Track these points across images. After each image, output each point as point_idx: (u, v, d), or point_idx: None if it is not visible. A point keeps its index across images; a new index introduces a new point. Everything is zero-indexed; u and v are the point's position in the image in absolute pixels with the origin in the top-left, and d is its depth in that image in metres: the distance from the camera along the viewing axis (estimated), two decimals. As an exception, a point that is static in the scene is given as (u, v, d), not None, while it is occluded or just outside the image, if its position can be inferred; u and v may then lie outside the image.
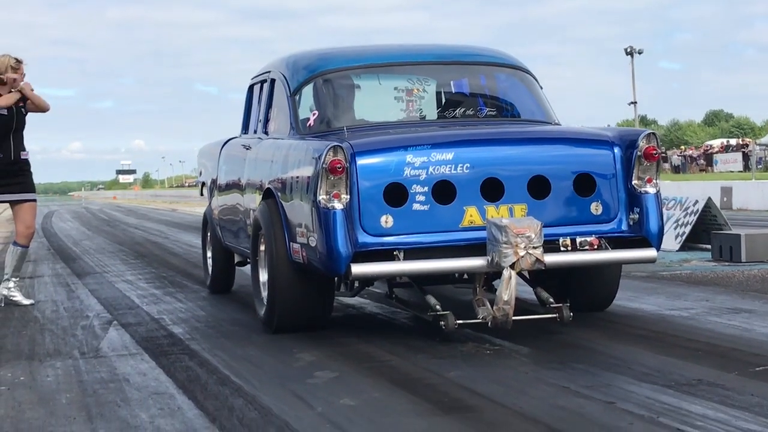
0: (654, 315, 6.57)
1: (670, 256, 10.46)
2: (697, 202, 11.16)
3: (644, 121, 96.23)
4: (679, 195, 12.00)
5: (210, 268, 8.69)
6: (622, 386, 4.48)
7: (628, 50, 49.30)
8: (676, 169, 55.32)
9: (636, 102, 51.29)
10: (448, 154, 5.60)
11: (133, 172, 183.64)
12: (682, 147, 68.77)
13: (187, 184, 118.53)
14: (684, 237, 11.04)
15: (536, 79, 6.97)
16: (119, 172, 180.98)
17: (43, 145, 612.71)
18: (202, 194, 9.17)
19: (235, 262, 8.32)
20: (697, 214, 11.01)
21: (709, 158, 54.76)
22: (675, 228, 11.20)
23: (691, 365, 4.90)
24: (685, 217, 11.18)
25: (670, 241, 11.04)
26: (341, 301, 7.51)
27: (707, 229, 10.84)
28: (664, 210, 11.35)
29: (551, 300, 5.83)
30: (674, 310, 6.74)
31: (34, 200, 8.21)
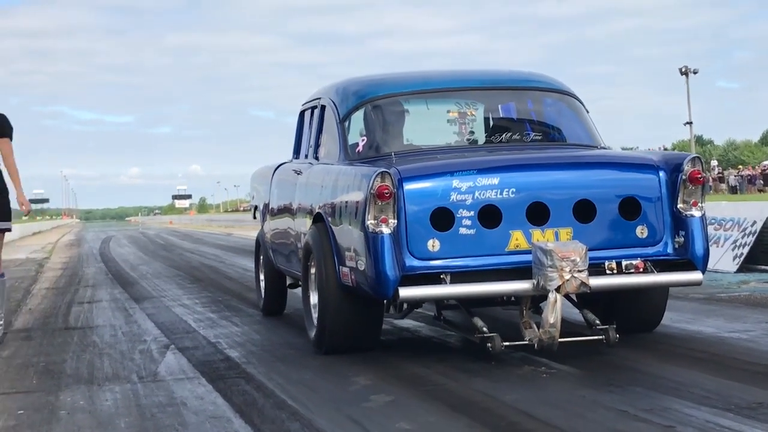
0: (712, 337, 6.52)
1: (728, 277, 10.36)
2: (755, 222, 11.02)
3: (700, 141, 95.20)
4: (736, 215, 11.88)
5: (263, 291, 8.86)
6: (681, 410, 4.46)
7: (683, 70, 48.98)
8: (733, 190, 54.66)
9: (691, 122, 50.86)
10: (494, 179, 5.69)
11: (188, 197, 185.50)
12: (739, 167, 67.94)
13: (242, 208, 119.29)
14: (742, 258, 10.91)
15: (582, 104, 7.05)
16: (175, 197, 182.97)
17: (101, 171, 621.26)
18: (254, 217, 9.35)
19: (288, 284, 8.48)
20: (756, 235, 10.89)
21: (766, 178, 54.04)
22: (733, 249, 11.09)
23: (752, 388, 4.86)
24: (743, 238, 11.07)
25: (728, 263, 10.95)
26: (396, 324, 7.59)
27: (766, 250, 10.73)
28: (721, 231, 11.32)
29: (597, 322, 5.88)
30: (733, 332, 6.69)
31: (8, 229, 7.85)
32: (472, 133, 6.97)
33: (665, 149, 49.87)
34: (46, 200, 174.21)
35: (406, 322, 7.62)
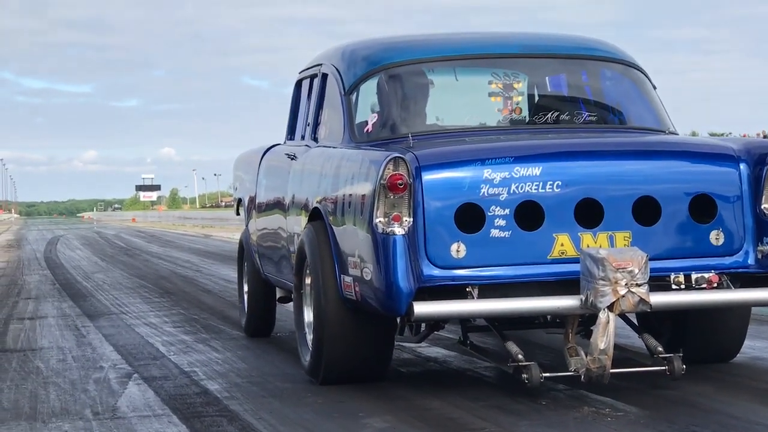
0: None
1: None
2: None
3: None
4: None
5: (246, 305, 8.99)
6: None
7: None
8: None
9: (802, 100, 50.69)
10: (535, 169, 5.83)
11: (157, 188, 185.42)
12: None
13: (223, 204, 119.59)
14: None
15: (649, 78, 7.17)
16: (140, 188, 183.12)
17: (50, 155, 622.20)
18: (238, 214, 9.47)
19: (278, 297, 8.58)
20: None
21: None
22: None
23: None
24: None
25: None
26: (419, 353, 7.72)
27: None
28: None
29: (660, 349, 5.97)
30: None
31: None
32: (514, 111, 7.05)
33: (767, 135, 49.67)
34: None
35: (434, 351, 7.75)
